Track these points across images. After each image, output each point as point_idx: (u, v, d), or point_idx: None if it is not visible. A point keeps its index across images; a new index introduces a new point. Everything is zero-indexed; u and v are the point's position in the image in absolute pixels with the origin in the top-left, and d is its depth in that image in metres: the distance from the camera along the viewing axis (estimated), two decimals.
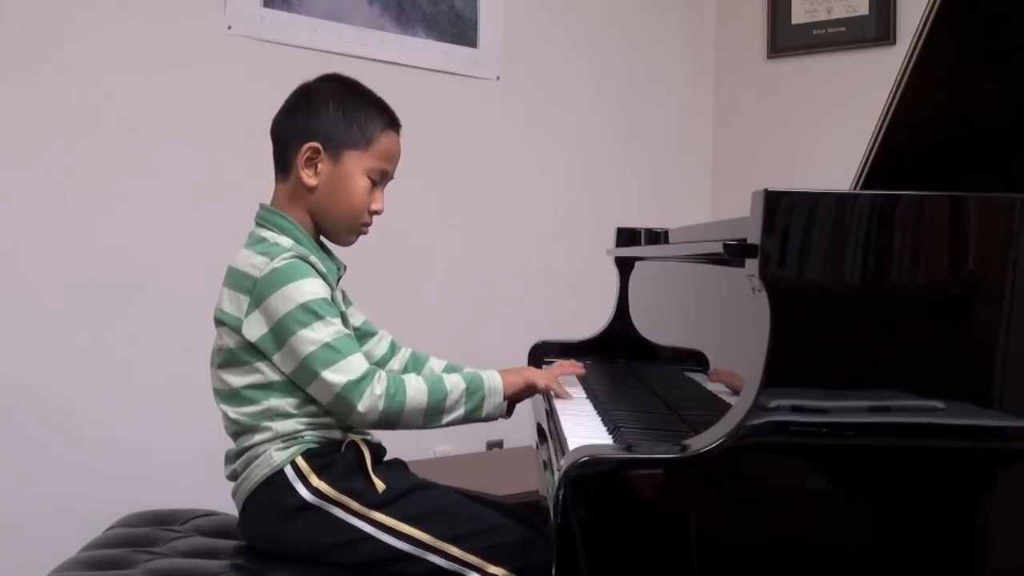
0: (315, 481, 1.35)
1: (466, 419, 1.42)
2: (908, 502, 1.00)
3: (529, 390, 1.48)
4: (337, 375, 1.33)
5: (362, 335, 1.59)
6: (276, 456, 1.36)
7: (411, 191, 2.59)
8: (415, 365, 1.64)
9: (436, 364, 1.65)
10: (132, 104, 2.17)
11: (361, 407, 1.33)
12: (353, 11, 2.51)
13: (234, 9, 2.30)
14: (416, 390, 1.37)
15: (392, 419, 1.36)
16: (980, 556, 1.02)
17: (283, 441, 1.37)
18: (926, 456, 1.00)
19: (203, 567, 1.35)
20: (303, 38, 2.41)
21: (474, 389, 1.41)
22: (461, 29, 2.73)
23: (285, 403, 1.37)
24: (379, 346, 1.63)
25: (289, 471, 1.35)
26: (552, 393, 1.50)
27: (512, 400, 1.47)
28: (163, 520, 1.55)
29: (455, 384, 1.40)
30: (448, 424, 1.41)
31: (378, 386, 1.34)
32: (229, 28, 2.30)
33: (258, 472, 1.36)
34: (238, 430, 1.40)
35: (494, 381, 1.43)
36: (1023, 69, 1.31)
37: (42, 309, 2.06)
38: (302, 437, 1.37)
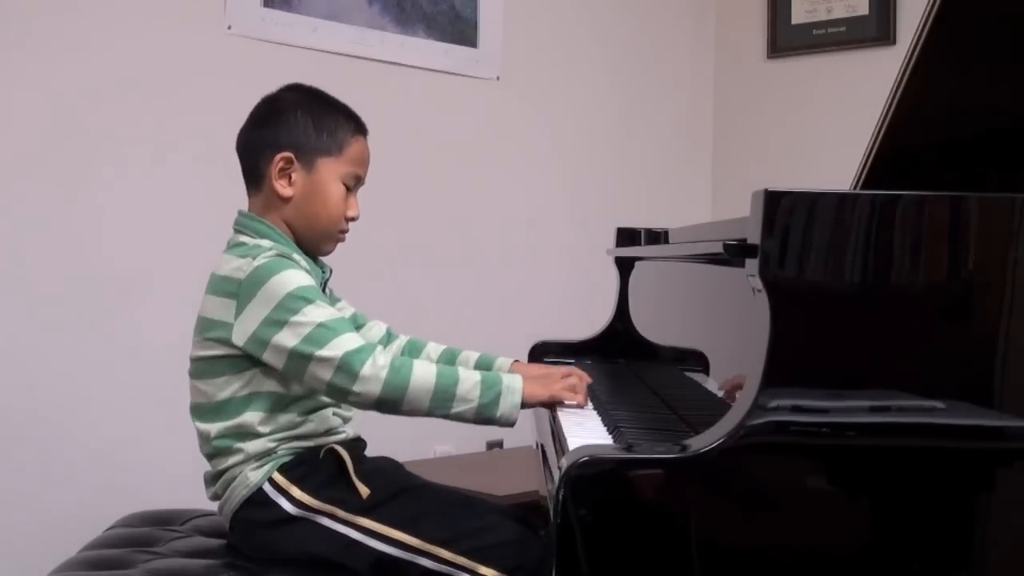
0: (297, 493, 1.34)
1: (478, 415, 1.32)
2: (908, 502, 1.00)
3: (551, 404, 1.39)
4: (332, 350, 1.28)
5: (355, 327, 1.58)
6: (252, 476, 1.35)
7: (410, 191, 2.59)
8: (412, 351, 1.62)
9: (434, 349, 1.62)
10: (131, 103, 2.16)
11: (364, 372, 1.27)
12: (353, 11, 2.51)
13: (234, 9, 2.30)
14: (424, 370, 1.30)
15: (396, 395, 1.29)
16: (980, 556, 1.02)
17: (256, 460, 1.36)
18: (926, 456, 1.00)
19: (203, 567, 1.35)
20: (303, 38, 2.41)
21: (490, 383, 1.32)
22: (461, 29, 2.73)
23: (259, 418, 1.35)
24: (370, 334, 1.61)
25: (268, 488, 1.35)
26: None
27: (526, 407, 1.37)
28: (163, 520, 1.55)
29: (469, 374, 1.33)
30: (458, 416, 1.31)
31: (381, 358, 1.29)
32: (229, 28, 2.30)
33: (238, 493, 1.36)
34: (210, 452, 1.39)
35: (513, 382, 1.34)
36: (1022, 69, 1.31)
37: (43, 309, 2.05)
38: (275, 453, 1.36)
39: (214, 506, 1.43)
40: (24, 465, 2.02)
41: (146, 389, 2.14)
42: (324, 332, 1.29)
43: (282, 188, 1.42)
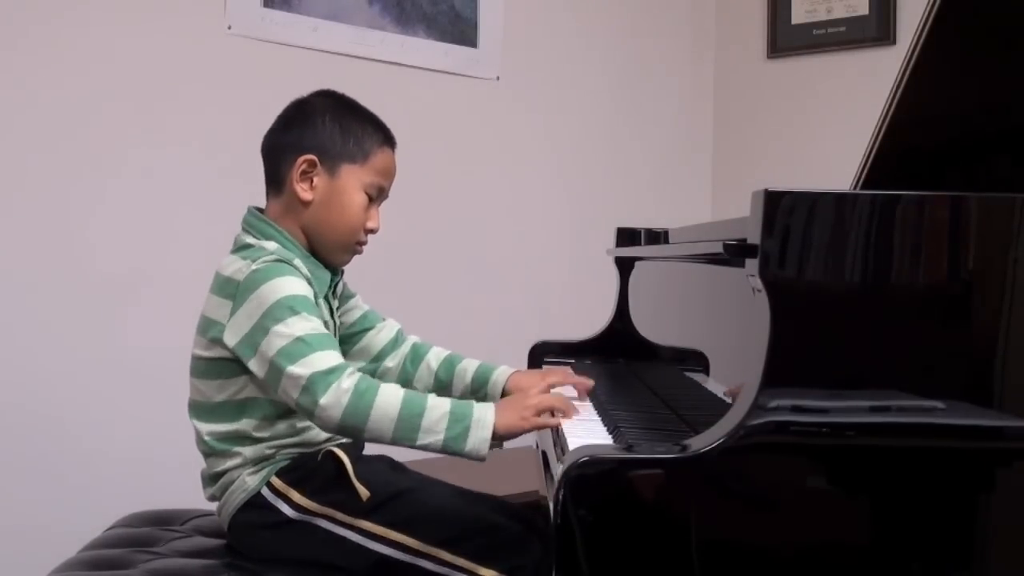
0: (296, 497, 1.33)
1: (445, 448, 1.26)
2: (908, 502, 1.00)
3: (532, 430, 1.31)
4: (302, 368, 1.24)
5: (363, 329, 1.57)
6: (249, 480, 1.35)
7: (410, 191, 2.58)
8: (414, 358, 1.59)
9: (435, 356, 1.59)
10: (131, 103, 2.17)
11: (324, 400, 1.22)
12: (353, 11, 2.51)
13: (234, 9, 2.30)
14: (390, 396, 1.25)
15: (358, 421, 1.24)
16: (980, 556, 1.02)
17: (254, 465, 1.35)
18: (926, 456, 1.00)
19: (203, 567, 1.35)
20: (303, 38, 2.41)
21: (459, 416, 1.25)
22: (461, 29, 2.73)
23: (255, 425, 1.34)
24: (379, 336, 1.59)
25: (267, 492, 1.34)
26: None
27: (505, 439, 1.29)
28: (163, 520, 1.55)
29: (437, 404, 1.26)
30: (424, 447, 1.26)
31: (346, 381, 1.24)
32: (229, 28, 2.30)
33: (236, 497, 1.36)
34: (207, 451, 1.38)
35: (484, 415, 1.26)
36: (1023, 69, 1.31)
37: (43, 309, 2.05)
38: (273, 458, 1.36)
39: (213, 506, 1.43)
40: (24, 465, 2.02)
41: (146, 389, 2.14)
42: (300, 347, 1.25)
43: (303, 191, 1.40)
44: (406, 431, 1.25)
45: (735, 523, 0.99)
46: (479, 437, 1.25)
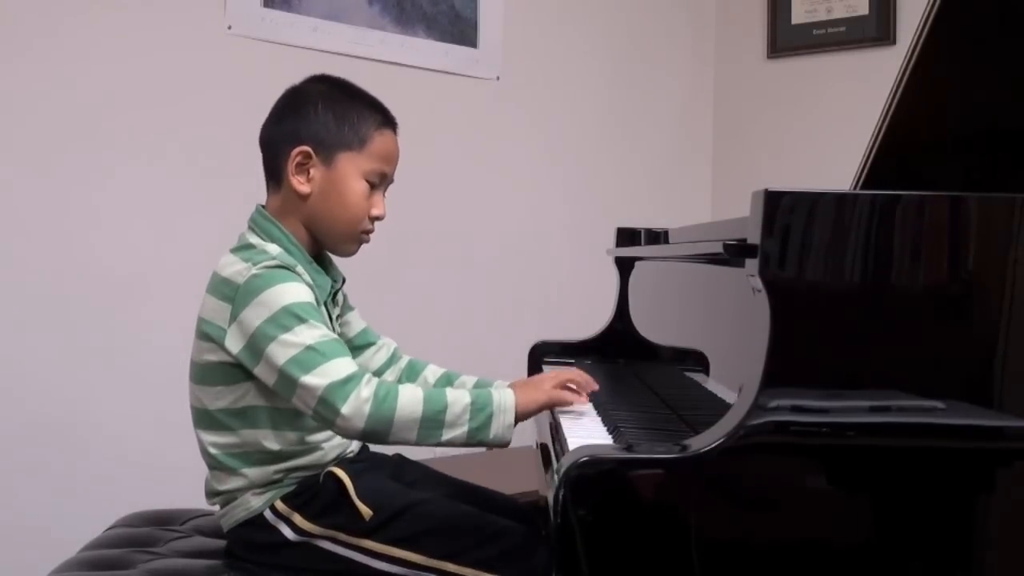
0: (299, 521, 1.31)
1: (469, 440, 1.24)
2: (908, 502, 1.00)
3: (550, 407, 1.33)
4: (318, 378, 1.21)
5: (359, 346, 1.54)
6: (253, 501, 1.33)
7: (410, 191, 2.59)
8: (410, 374, 1.56)
9: (432, 373, 1.57)
10: (131, 104, 2.17)
11: (345, 410, 1.20)
12: (353, 11, 2.51)
13: (234, 9, 2.30)
14: (410, 398, 1.23)
15: (382, 427, 1.22)
16: (980, 556, 1.02)
17: (260, 487, 1.33)
18: (926, 456, 1.00)
19: (203, 567, 1.35)
20: (303, 38, 2.41)
21: (481, 405, 1.24)
22: (461, 29, 2.73)
23: (262, 435, 1.31)
24: (376, 357, 1.56)
25: (269, 515, 1.32)
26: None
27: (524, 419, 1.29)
28: (163, 520, 1.55)
29: (457, 398, 1.24)
30: (449, 443, 1.24)
31: (365, 389, 1.21)
32: (229, 28, 2.30)
33: (238, 513, 1.34)
34: (212, 464, 1.36)
35: (505, 399, 1.26)
36: (1023, 69, 1.31)
37: (43, 310, 2.05)
38: (281, 482, 1.33)
39: (214, 507, 1.43)
40: (24, 465, 2.02)
41: (146, 389, 2.14)
42: (312, 356, 1.22)
43: (299, 184, 1.35)
44: (430, 430, 1.23)
45: (735, 523, 0.99)
46: (503, 423, 1.25)
